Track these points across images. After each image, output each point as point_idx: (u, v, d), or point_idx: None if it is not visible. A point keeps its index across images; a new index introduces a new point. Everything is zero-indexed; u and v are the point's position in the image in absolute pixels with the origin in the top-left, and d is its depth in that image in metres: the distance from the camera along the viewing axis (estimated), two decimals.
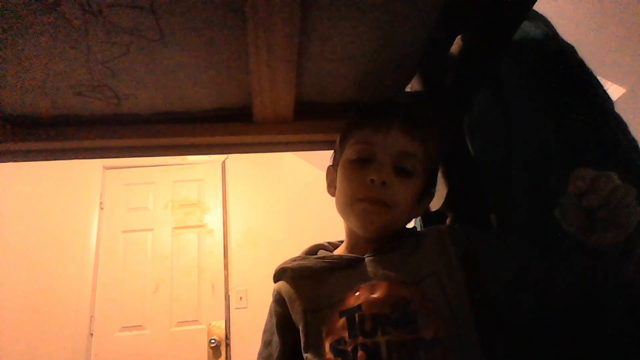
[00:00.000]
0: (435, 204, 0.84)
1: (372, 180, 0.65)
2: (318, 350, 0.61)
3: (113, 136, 0.85)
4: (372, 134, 0.69)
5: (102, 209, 2.94)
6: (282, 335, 0.69)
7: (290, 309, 0.68)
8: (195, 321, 2.71)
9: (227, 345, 2.67)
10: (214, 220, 3.01)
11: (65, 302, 2.64)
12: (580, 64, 0.79)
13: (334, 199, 0.75)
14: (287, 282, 0.71)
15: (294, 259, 0.75)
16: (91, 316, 2.66)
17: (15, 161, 0.87)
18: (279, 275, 0.74)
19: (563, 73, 0.77)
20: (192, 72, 0.78)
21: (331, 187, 0.78)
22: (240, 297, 2.77)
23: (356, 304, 0.61)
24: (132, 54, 0.71)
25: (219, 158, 3.17)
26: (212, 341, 2.63)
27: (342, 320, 0.61)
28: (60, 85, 0.76)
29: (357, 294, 0.63)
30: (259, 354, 0.72)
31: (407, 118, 0.71)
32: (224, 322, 2.72)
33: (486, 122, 0.87)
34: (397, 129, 0.68)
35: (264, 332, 0.74)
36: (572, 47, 0.81)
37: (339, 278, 0.67)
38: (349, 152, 0.71)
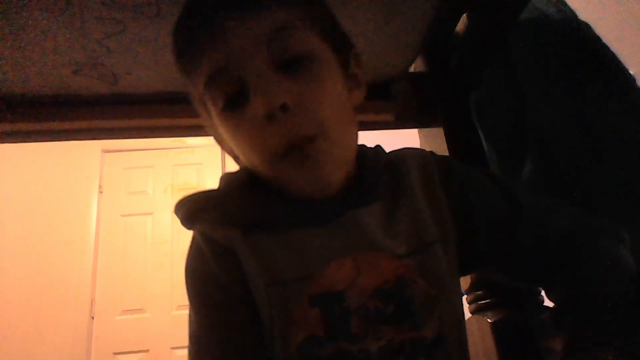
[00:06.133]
0: None
1: (271, 117, 0.40)
2: (284, 347, 0.42)
3: (111, 117, 0.84)
4: (211, 53, 0.42)
5: (101, 192, 2.93)
6: (227, 317, 0.44)
7: (228, 277, 0.44)
8: None
9: None
10: None
11: (66, 286, 2.65)
12: (598, 40, 0.78)
13: None
14: (229, 231, 0.45)
15: (214, 193, 0.49)
16: (92, 300, 2.67)
17: (13, 142, 0.86)
18: (194, 215, 0.47)
19: (582, 50, 0.76)
20: None
21: (236, 159, 0.52)
22: None
23: (335, 289, 0.42)
24: (129, 31, 0.70)
25: None
26: None
27: (315, 312, 0.41)
28: (56, 64, 0.75)
29: (335, 270, 0.42)
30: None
31: None
32: None
33: (496, 100, 0.86)
34: (232, 20, 0.41)
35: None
36: (587, 24, 0.79)
37: (304, 237, 0.44)
38: (211, 101, 0.45)
